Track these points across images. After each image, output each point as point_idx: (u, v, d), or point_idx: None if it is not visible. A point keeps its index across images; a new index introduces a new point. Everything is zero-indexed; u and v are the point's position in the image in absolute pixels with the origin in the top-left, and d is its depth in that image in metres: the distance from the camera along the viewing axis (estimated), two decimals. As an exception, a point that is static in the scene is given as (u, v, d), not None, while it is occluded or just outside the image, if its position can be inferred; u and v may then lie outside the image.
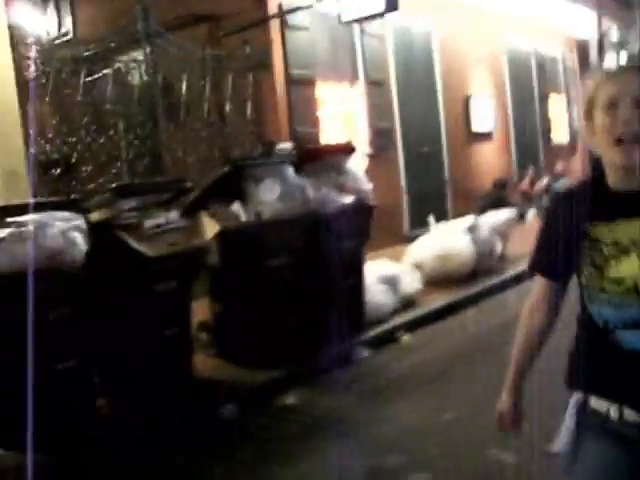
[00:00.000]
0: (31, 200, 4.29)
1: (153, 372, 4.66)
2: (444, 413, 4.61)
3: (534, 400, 4.47)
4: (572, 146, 16.48)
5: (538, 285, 2.01)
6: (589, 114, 1.79)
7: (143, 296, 4.58)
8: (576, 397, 1.85)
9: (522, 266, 8.87)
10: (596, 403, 1.80)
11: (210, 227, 5.07)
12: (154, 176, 7.54)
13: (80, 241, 4.11)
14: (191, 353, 5.04)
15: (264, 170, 5.53)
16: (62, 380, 4.11)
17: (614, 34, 16.64)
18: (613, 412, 1.75)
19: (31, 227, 3.86)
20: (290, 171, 5.64)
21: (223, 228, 5.14)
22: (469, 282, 8.08)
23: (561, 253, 1.85)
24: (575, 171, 14.80)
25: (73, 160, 7.07)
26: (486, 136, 13.25)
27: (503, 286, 8.28)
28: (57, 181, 6.96)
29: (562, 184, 13.76)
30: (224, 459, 4.21)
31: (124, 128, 7.72)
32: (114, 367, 4.81)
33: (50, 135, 7.00)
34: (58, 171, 6.92)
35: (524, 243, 9.42)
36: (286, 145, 7.03)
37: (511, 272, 8.73)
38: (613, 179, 1.78)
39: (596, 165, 1.86)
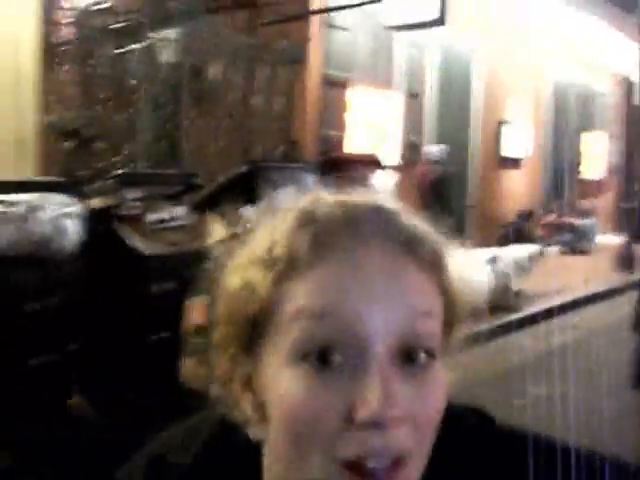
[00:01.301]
0: (28, 178, 3.97)
1: (137, 376, 4.34)
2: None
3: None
4: (604, 183, 16.11)
5: None
6: None
7: (136, 296, 4.26)
8: None
9: (539, 305, 8.62)
10: None
11: (216, 230, 4.73)
12: (170, 162, 7.23)
13: (72, 229, 3.79)
14: (179, 359, 4.71)
15: (284, 175, 5.19)
16: (35, 376, 3.80)
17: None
18: None
19: (21, 208, 3.54)
20: (310, 180, 5.30)
21: (231, 233, 4.80)
22: (479, 318, 7.72)
23: None
24: (602, 208, 14.48)
25: (88, 135, 6.75)
26: (515, 163, 12.89)
27: (517, 325, 7.94)
28: (70, 154, 6.64)
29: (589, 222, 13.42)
30: None
31: (145, 108, 7.40)
32: (95, 366, 4.50)
33: (67, 106, 6.68)
34: (72, 144, 6.60)
35: (543, 280, 9.10)
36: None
37: (527, 311, 8.39)
38: None
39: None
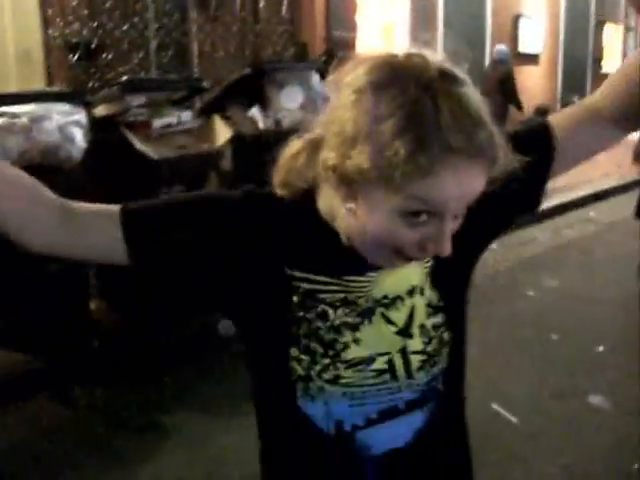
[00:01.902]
0: (32, 88, 3.99)
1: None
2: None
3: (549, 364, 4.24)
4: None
5: None
6: None
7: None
8: None
9: (553, 200, 8.60)
10: None
11: (223, 131, 4.75)
12: (180, 70, 7.18)
13: (79, 137, 3.83)
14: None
15: (288, 75, 5.17)
16: (54, 282, 3.92)
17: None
18: None
19: (25, 119, 3.58)
20: (316, 79, 5.27)
21: (237, 133, 4.81)
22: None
23: None
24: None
25: (93, 46, 6.69)
26: (532, 58, 12.61)
27: (530, 221, 7.95)
28: (76, 67, 6.61)
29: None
30: (214, 375, 4.03)
31: (150, 16, 7.30)
32: (113, 267, 4.61)
33: (71, 17, 6.61)
34: (77, 56, 6.56)
35: (558, 177, 9.12)
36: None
37: (541, 206, 8.38)
38: None
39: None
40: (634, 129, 1.17)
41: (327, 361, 1.04)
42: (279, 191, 1.05)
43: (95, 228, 1.03)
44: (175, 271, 1.08)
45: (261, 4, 8.08)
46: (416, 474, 1.16)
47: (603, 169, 10.81)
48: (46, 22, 6.20)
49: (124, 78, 4.94)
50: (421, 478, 1.17)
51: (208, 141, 4.83)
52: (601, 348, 4.59)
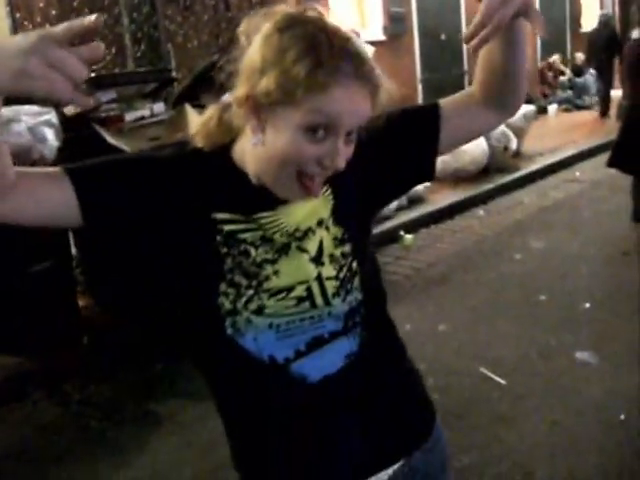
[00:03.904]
0: None
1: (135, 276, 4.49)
2: (438, 324, 4.41)
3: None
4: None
5: None
6: None
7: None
8: None
9: (539, 163, 8.62)
10: None
11: (196, 120, 4.74)
12: (155, 63, 7.16)
13: (51, 137, 3.84)
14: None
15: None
16: (40, 282, 3.95)
17: None
18: None
19: (-6, 122, 3.59)
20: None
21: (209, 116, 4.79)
22: (480, 180, 7.76)
23: None
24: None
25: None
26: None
27: (516, 184, 7.98)
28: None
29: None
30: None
31: (121, 10, 7.28)
32: (98, 264, 4.64)
33: (39, 19, 6.60)
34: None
35: (543, 140, 9.06)
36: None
37: (526, 170, 8.41)
38: None
39: None
40: (507, 114, 1.32)
41: (251, 292, 1.17)
42: (200, 145, 1.21)
43: (44, 189, 1.09)
44: (120, 224, 1.16)
45: (231, -10, 8.07)
46: (353, 396, 1.26)
47: (587, 128, 10.84)
48: (15, 26, 6.19)
49: (91, 75, 4.91)
50: (359, 399, 1.27)
51: (181, 131, 4.82)
52: (587, 305, 4.62)
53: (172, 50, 7.52)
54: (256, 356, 1.19)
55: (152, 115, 4.56)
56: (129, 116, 4.43)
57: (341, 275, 1.22)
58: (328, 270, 1.21)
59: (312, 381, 1.21)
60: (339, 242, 1.23)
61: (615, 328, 4.25)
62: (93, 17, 0.83)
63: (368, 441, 1.28)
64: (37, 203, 1.08)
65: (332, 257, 1.22)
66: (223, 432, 1.34)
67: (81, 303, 4.47)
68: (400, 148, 1.28)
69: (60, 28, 0.83)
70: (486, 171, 7.94)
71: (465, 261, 5.73)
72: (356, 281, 1.23)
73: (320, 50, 1.03)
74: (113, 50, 7.09)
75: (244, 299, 1.17)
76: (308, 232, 1.21)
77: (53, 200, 1.09)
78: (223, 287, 1.17)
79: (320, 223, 1.22)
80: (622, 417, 3.33)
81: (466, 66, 11.33)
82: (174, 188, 1.17)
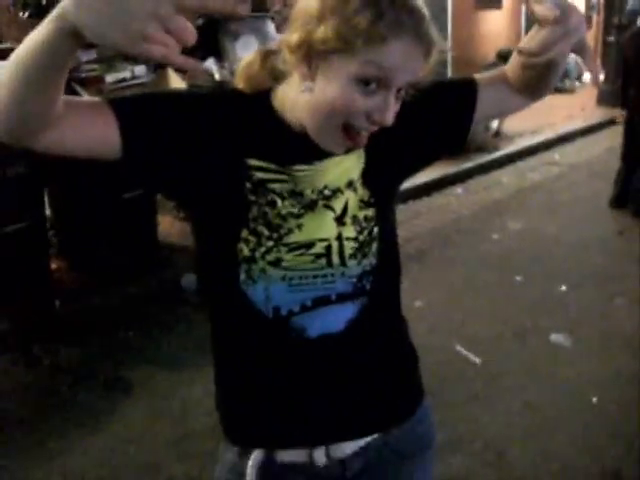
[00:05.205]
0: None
1: (113, 233, 4.43)
2: (414, 300, 4.40)
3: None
4: (588, 19, 15.69)
5: None
6: None
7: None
8: None
9: (519, 144, 8.63)
10: None
11: (176, 83, 4.67)
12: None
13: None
14: (155, 215, 4.78)
15: (243, 25, 5.08)
16: (13, 242, 3.88)
17: None
18: None
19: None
20: (271, 27, 5.19)
21: (192, 85, 4.74)
22: (459, 158, 7.74)
23: None
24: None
25: (44, 2, 6.52)
26: (495, 2, 12.53)
27: (495, 164, 7.98)
28: (27, 24, 6.45)
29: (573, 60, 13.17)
30: (178, 329, 4.03)
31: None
32: (72, 227, 4.57)
33: None
34: (28, 13, 6.39)
35: (524, 120, 9.10)
36: None
37: (506, 150, 8.41)
38: None
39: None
40: (536, 99, 1.37)
41: (271, 244, 1.18)
42: (241, 87, 1.22)
43: (87, 119, 1.06)
44: (157, 158, 1.13)
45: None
46: (348, 359, 1.28)
47: (567, 112, 10.86)
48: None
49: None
50: (353, 363, 1.29)
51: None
52: (563, 287, 4.65)
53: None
54: (261, 308, 1.20)
55: (133, 77, 4.48)
56: (110, 77, 4.35)
57: (361, 238, 1.22)
58: (349, 231, 1.22)
59: (310, 335, 1.23)
60: (364, 205, 1.24)
61: (590, 312, 4.28)
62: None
63: (339, 407, 1.29)
64: (80, 133, 1.05)
65: (355, 218, 1.22)
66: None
67: (54, 265, 4.41)
68: (438, 116, 1.31)
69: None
70: (466, 150, 7.90)
71: (442, 239, 5.72)
72: (374, 246, 1.24)
73: (382, 2, 1.02)
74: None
75: (263, 249, 1.18)
76: (337, 192, 1.22)
77: (95, 131, 1.07)
78: (244, 234, 1.18)
79: (350, 184, 1.23)
80: (594, 400, 3.35)
81: (449, 43, 11.27)
82: (213, 125, 1.16)
